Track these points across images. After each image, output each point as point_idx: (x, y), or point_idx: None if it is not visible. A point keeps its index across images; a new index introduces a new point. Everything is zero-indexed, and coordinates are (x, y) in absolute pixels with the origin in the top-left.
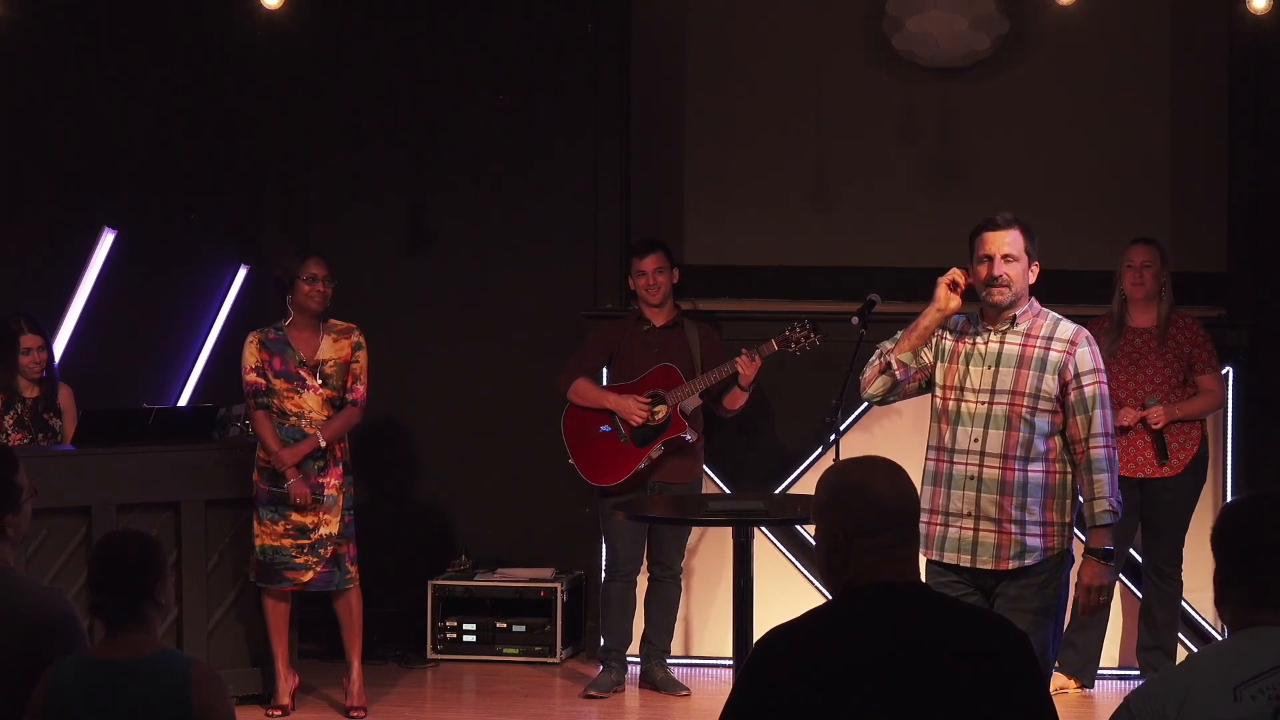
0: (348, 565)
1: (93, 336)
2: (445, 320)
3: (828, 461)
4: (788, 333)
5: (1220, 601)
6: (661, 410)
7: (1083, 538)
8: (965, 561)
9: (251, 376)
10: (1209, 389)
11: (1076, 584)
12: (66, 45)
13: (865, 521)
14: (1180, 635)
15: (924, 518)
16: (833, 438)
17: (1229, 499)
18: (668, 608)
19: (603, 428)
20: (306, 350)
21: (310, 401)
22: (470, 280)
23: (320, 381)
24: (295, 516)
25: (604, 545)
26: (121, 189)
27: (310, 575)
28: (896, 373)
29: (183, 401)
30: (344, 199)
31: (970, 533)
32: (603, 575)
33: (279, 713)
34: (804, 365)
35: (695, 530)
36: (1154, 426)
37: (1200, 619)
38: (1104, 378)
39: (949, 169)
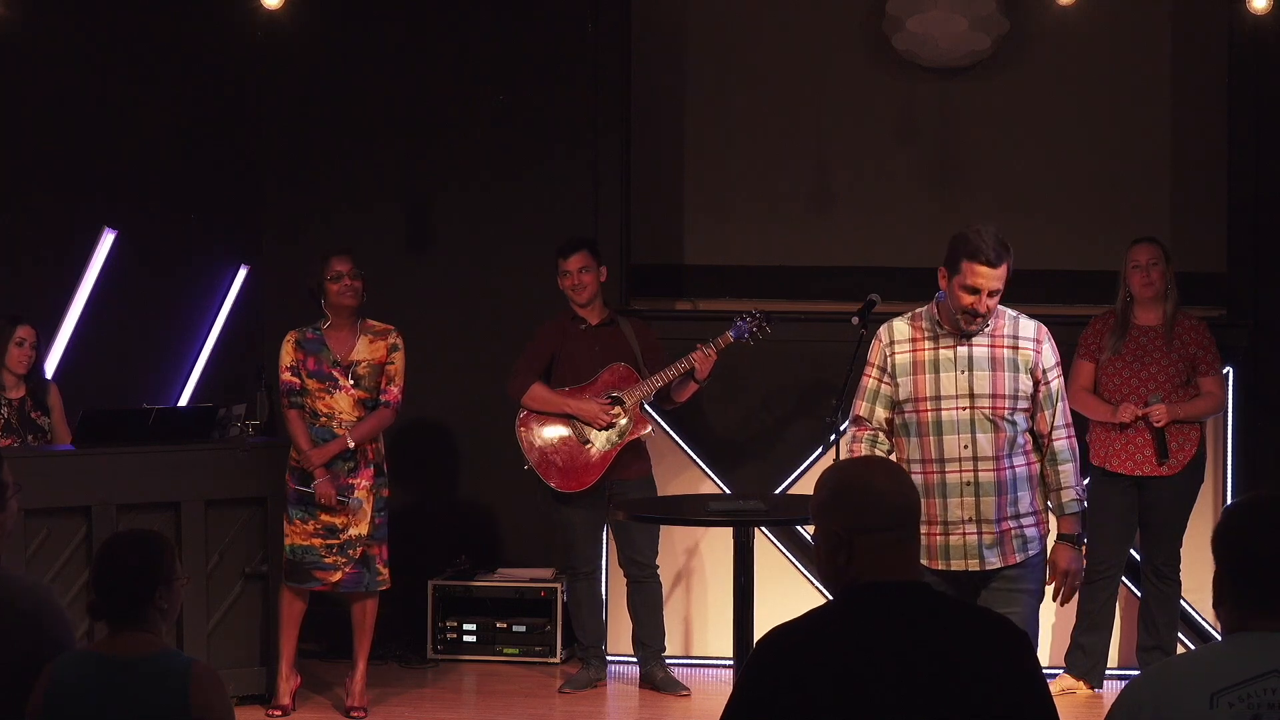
0: (379, 567)
1: (93, 336)
2: (445, 320)
3: (828, 461)
4: (739, 323)
5: (1217, 602)
6: (622, 412)
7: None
8: (974, 565)
9: (286, 376)
10: (1211, 391)
11: (1053, 569)
12: (66, 45)
13: (868, 520)
14: (1180, 635)
15: (921, 529)
16: (833, 438)
17: (1229, 499)
18: (653, 606)
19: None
20: (342, 350)
21: (342, 402)
22: (470, 280)
23: (352, 382)
24: (324, 516)
25: (567, 547)
26: (121, 189)
27: (339, 575)
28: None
29: (183, 401)
30: (344, 199)
31: (974, 537)
32: (566, 575)
33: (279, 713)
34: (804, 365)
35: (695, 530)
36: (1156, 424)
37: (1200, 619)
38: (1062, 370)
39: (949, 169)
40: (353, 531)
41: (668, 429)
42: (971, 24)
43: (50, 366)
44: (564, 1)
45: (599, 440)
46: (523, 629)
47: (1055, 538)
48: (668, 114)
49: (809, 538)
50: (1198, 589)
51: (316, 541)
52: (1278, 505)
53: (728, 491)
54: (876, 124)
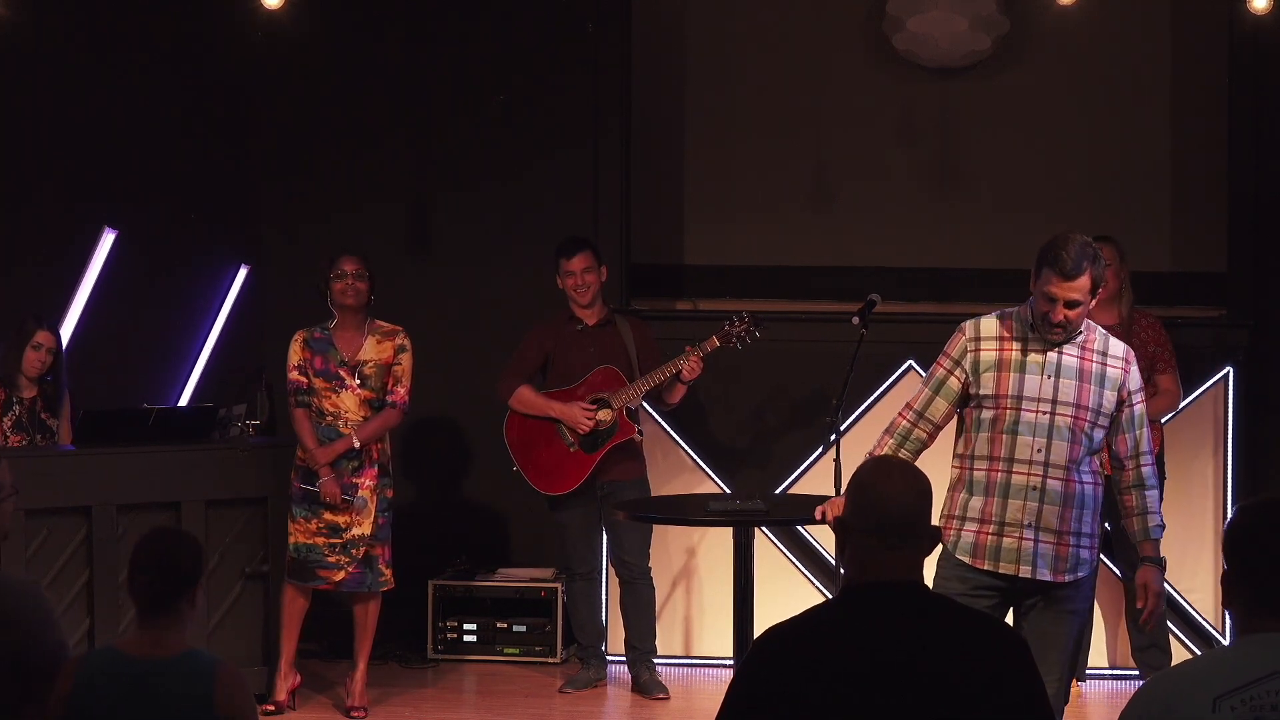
0: (381, 568)
1: (93, 336)
2: (445, 321)
3: (827, 461)
4: (728, 327)
5: (1228, 601)
6: (607, 415)
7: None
8: (1026, 572)
9: (294, 375)
10: (1168, 389)
11: (1144, 592)
12: (67, 45)
13: (866, 519)
14: (1177, 631)
15: (973, 527)
16: (833, 438)
17: (1229, 499)
18: (643, 609)
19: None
20: (349, 350)
21: (347, 402)
22: (470, 281)
23: (359, 382)
24: (328, 515)
25: (563, 547)
26: (121, 189)
27: (342, 575)
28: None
29: (183, 401)
30: (344, 199)
31: (1030, 544)
32: (564, 576)
33: (272, 708)
34: (804, 365)
35: (694, 530)
36: None
37: (1200, 618)
38: (1144, 397)
39: (949, 169)
40: (356, 531)
41: (668, 429)
42: (971, 24)
43: None
44: (564, 1)
45: (582, 444)
46: (523, 629)
47: (1141, 561)
48: (668, 114)
49: (809, 538)
50: (1196, 589)
51: (320, 540)
52: None
53: (728, 491)
54: (876, 124)
